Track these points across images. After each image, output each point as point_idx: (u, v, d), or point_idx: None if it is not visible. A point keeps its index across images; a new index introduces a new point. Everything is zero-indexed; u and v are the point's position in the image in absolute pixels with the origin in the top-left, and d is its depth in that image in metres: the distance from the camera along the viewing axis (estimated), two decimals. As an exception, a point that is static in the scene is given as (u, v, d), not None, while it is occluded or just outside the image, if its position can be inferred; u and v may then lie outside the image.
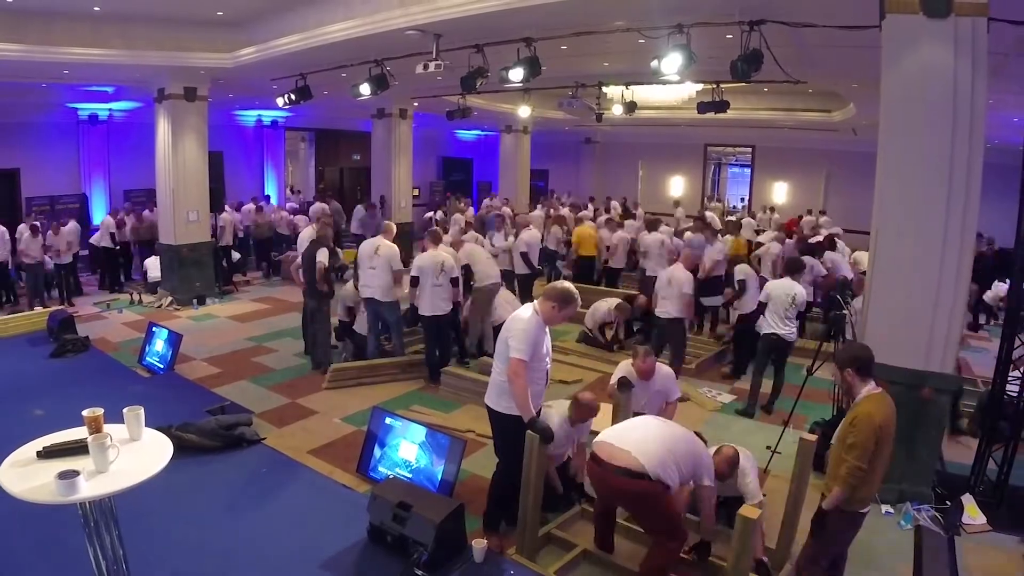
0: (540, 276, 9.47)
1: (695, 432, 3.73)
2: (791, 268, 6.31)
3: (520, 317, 3.65)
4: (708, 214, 13.06)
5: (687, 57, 5.64)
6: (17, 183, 11.62)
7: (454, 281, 6.51)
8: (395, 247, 6.75)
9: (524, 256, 8.84)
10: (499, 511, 3.89)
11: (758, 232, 12.47)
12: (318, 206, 13.16)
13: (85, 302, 9.93)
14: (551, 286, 3.77)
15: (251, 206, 12.73)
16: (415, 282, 6.45)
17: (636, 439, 3.33)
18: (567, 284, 3.76)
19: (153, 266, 10.44)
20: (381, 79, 7.80)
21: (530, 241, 8.92)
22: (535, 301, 3.76)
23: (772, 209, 15.96)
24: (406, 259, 10.98)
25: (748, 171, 18.55)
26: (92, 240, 10.93)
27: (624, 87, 10.67)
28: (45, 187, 11.81)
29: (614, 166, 20.15)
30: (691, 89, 10.71)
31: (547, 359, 3.79)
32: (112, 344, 7.84)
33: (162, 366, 6.77)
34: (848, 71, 7.95)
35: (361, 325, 6.97)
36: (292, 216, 13.20)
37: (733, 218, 13.41)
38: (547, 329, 3.76)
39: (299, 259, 7.07)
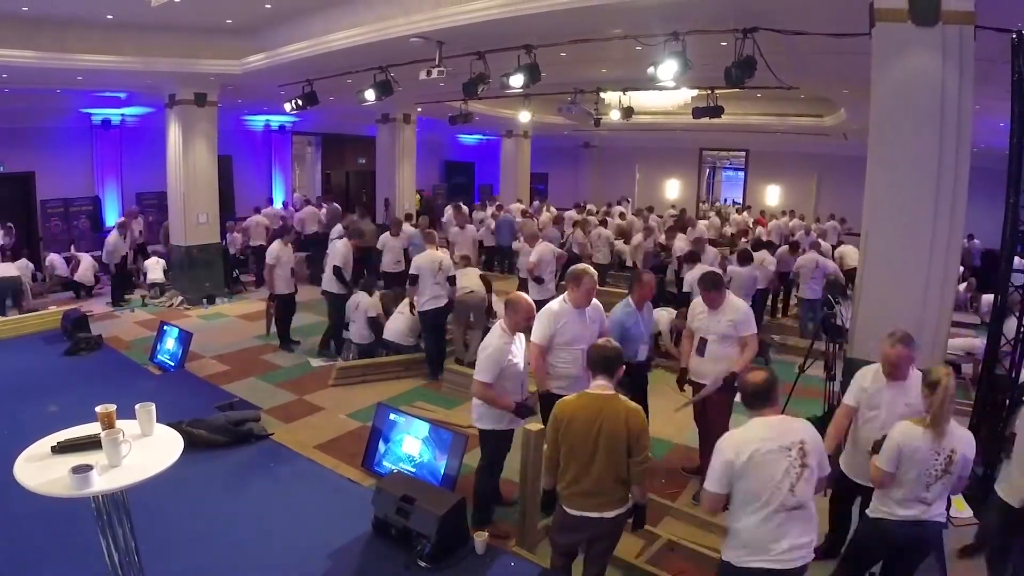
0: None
1: None
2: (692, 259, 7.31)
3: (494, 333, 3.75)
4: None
5: (682, 64, 5.64)
6: (32, 186, 11.62)
7: (451, 280, 6.57)
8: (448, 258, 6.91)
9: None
10: (485, 507, 3.92)
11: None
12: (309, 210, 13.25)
13: (98, 302, 9.94)
14: (569, 270, 4.20)
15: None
16: (414, 280, 6.52)
17: None
18: (579, 264, 4.22)
19: (152, 268, 10.42)
20: (385, 85, 7.80)
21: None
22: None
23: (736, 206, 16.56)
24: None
25: (742, 174, 18.55)
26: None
27: (621, 93, 10.68)
28: (59, 190, 11.81)
29: (612, 170, 20.15)
30: (686, 95, 10.71)
31: (578, 346, 3.96)
32: (124, 342, 7.84)
33: (173, 364, 6.77)
34: (839, 77, 7.96)
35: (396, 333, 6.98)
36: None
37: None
38: (583, 313, 4.07)
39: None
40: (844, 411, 3.38)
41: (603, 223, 11.81)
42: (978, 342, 6.78)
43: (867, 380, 3.30)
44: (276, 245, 7.59)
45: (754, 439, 2.46)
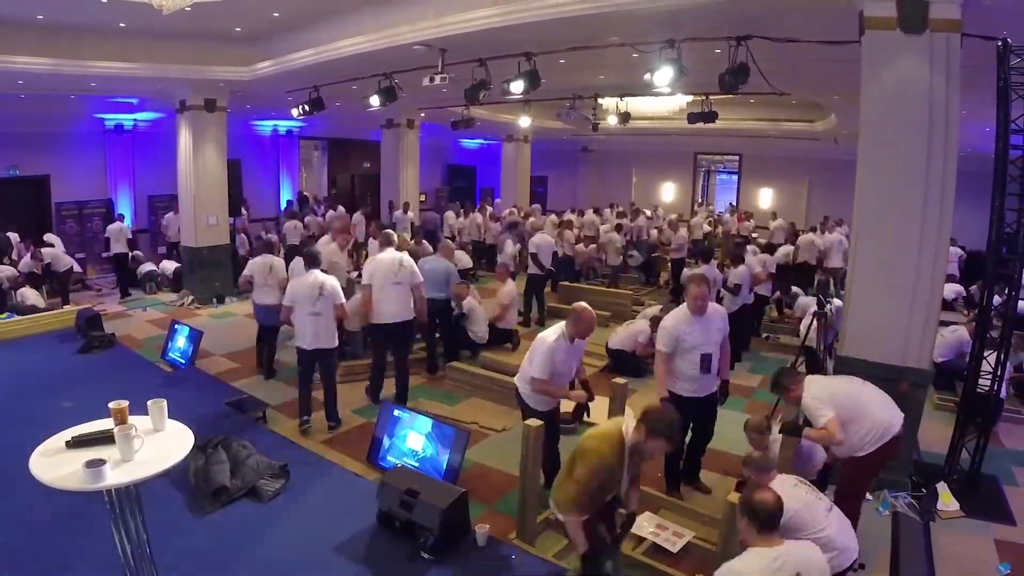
0: (551, 277, 9.61)
1: None
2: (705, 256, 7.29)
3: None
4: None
5: (678, 70, 5.64)
6: (47, 189, 11.62)
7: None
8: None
9: (534, 257, 8.92)
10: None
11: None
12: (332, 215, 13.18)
13: (111, 301, 9.95)
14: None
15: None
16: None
17: None
18: (694, 271, 4.28)
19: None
20: (390, 91, 7.80)
21: (540, 244, 9.04)
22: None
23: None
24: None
25: (735, 178, 18.55)
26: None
27: (619, 99, 10.68)
28: (73, 193, 11.82)
29: (609, 173, 20.16)
30: (681, 100, 10.73)
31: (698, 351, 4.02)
32: (136, 341, 7.85)
33: (183, 361, 6.77)
34: (829, 84, 7.96)
35: None
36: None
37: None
38: (705, 320, 4.05)
39: None
40: (661, 357, 4.07)
41: (618, 228, 11.90)
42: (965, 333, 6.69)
43: (672, 323, 4.06)
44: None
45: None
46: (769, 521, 2.39)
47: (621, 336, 6.86)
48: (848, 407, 3.55)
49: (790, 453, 3.71)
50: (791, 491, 2.89)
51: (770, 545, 2.37)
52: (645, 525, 3.89)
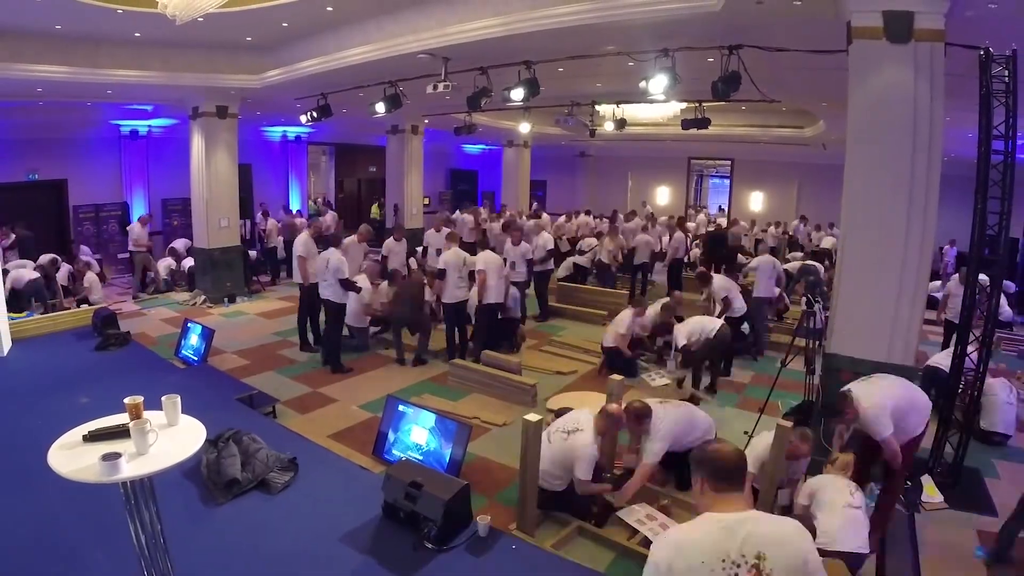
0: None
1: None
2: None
3: None
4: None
5: (672, 78, 5.65)
6: (65, 192, 11.64)
7: (471, 275, 6.92)
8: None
9: (550, 253, 9.27)
10: None
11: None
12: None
13: (124, 300, 9.96)
14: None
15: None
16: (441, 275, 6.80)
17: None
18: None
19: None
20: (395, 98, 7.81)
21: (548, 244, 9.34)
22: None
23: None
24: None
25: (728, 182, 18.54)
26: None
27: (615, 105, 10.67)
28: (90, 196, 11.82)
29: (606, 177, 20.15)
30: (676, 107, 10.70)
31: None
32: (151, 339, 7.85)
33: (196, 358, 6.77)
34: (818, 91, 7.95)
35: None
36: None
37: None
38: None
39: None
40: None
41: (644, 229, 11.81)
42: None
43: None
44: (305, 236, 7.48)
45: (696, 545, 1.65)
46: (722, 473, 1.73)
47: (615, 335, 6.86)
48: (903, 405, 3.66)
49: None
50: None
51: (725, 510, 1.69)
52: (636, 511, 3.92)
